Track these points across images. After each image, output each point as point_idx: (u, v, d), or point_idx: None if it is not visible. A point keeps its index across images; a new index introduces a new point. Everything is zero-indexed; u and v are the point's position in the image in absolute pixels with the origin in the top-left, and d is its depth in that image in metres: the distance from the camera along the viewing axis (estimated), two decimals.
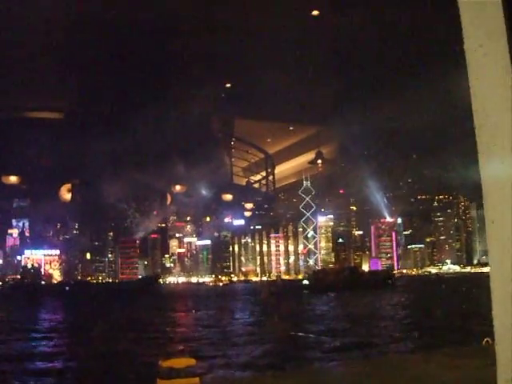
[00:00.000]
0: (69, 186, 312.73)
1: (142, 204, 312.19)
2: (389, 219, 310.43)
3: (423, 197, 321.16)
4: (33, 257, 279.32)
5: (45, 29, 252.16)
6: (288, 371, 21.55)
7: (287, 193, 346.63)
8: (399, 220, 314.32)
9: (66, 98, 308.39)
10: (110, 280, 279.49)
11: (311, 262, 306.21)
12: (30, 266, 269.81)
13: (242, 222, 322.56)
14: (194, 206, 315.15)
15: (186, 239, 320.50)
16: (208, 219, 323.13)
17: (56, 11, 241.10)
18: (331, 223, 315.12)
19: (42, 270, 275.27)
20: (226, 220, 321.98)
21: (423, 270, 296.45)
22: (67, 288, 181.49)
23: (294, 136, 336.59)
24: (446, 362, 13.25)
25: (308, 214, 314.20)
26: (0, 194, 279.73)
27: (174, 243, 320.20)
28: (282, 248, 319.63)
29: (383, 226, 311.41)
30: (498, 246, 3.03)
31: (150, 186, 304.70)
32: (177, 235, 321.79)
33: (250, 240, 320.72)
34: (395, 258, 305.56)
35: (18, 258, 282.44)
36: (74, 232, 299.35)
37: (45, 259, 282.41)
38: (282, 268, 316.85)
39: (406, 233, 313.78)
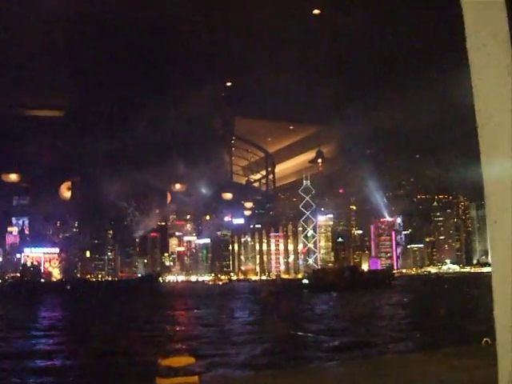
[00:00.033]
0: (69, 184, 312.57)
1: (141, 202, 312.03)
2: (388, 219, 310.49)
3: (423, 196, 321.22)
4: (32, 255, 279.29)
5: (45, 27, 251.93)
6: (287, 370, 21.57)
7: (287, 192, 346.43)
8: (399, 219, 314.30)
9: (67, 96, 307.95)
10: (110, 278, 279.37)
11: (311, 261, 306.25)
12: (29, 263, 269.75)
13: (241, 220, 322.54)
14: (194, 204, 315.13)
15: (186, 238, 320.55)
16: (208, 218, 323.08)
17: (56, 9, 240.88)
18: (331, 222, 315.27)
19: (42, 268, 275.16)
20: (226, 219, 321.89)
21: (423, 270, 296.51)
22: (68, 287, 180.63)
23: (294, 135, 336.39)
24: (445, 361, 13.28)
25: (308, 214, 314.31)
26: (0, 192, 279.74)
27: (173, 242, 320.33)
28: (281, 247, 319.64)
29: (383, 226, 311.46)
30: (500, 246, 3.02)
31: (150, 185, 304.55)
32: (176, 234, 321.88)
33: (249, 239, 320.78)
34: (395, 258, 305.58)
35: (18, 255, 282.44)
36: (74, 230, 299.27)
37: (44, 257, 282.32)
38: (282, 267, 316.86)
39: (405, 232, 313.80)
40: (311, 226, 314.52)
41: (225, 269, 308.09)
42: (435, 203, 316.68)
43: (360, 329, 39.27)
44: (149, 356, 24.46)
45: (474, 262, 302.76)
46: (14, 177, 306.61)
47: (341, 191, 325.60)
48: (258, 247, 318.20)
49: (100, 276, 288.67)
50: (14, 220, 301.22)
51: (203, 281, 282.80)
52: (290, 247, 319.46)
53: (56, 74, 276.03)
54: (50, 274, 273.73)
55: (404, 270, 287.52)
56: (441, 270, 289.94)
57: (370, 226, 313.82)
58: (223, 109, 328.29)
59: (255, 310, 68.84)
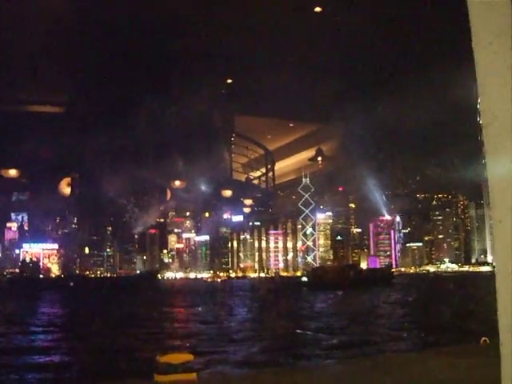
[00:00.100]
0: (68, 180, 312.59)
1: (141, 199, 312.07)
2: (388, 217, 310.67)
3: (422, 195, 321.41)
4: (31, 250, 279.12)
5: (45, 23, 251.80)
6: (286, 368, 21.58)
7: (287, 189, 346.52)
8: (398, 218, 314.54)
9: (67, 92, 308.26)
10: (109, 275, 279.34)
11: (309, 259, 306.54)
12: (28, 259, 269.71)
13: (241, 218, 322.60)
14: (194, 201, 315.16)
15: (185, 235, 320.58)
16: (207, 215, 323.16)
17: (57, 6, 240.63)
18: (330, 220, 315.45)
19: (41, 264, 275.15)
20: (225, 216, 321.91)
21: (421, 269, 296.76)
22: (72, 284, 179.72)
23: (294, 133, 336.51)
24: (444, 360, 13.28)
25: (307, 211, 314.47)
26: None
27: (172, 239, 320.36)
28: (280, 245, 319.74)
29: (382, 224, 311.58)
30: (504, 246, 3.00)
31: (150, 181, 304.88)
32: (176, 231, 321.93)
33: (248, 236, 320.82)
34: (393, 256, 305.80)
35: (17, 251, 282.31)
36: (73, 226, 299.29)
37: (43, 253, 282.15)
38: (281, 265, 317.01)
39: (404, 231, 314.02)
40: (310, 224, 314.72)
41: (224, 266, 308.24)
42: (434, 202, 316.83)
43: (359, 327, 39.29)
44: (147, 353, 24.46)
45: (473, 261, 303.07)
46: (13, 172, 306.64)
47: (340, 189, 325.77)
48: (257, 244, 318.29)
49: (99, 272, 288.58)
50: (13, 216, 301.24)
51: (202, 278, 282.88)
52: (289, 245, 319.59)
53: (56, 71, 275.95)
54: (48, 270, 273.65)
55: (403, 269, 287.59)
56: (439, 269, 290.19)
57: (369, 224, 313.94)
58: (223, 106, 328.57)
59: (254, 307, 68.89)
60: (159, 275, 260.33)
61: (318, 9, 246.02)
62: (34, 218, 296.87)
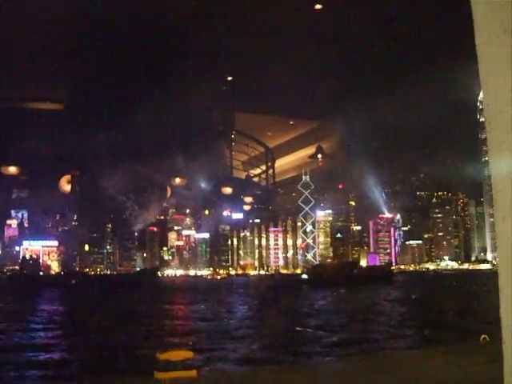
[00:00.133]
0: (68, 177, 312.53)
1: (141, 196, 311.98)
2: (387, 215, 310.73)
3: (422, 193, 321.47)
4: (31, 248, 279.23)
5: (45, 19, 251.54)
6: (286, 365, 21.60)
7: (287, 187, 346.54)
8: (398, 216, 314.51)
9: (67, 88, 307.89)
10: (108, 272, 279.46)
11: (309, 256, 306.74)
12: (28, 256, 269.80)
13: (241, 215, 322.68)
14: (194, 198, 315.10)
15: (185, 232, 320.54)
16: (207, 212, 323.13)
17: (57, 3, 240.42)
18: (330, 218, 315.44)
19: (41, 261, 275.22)
20: (225, 213, 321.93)
21: (421, 266, 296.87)
22: (74, 281, 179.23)
23: (294, 130, 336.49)
24: (443, 358, 13.29)
25: (307, 209, 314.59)
26: None
27: (172, 236, 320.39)
28: (280, 242, 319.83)
29: (382, 222, 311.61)
30: (508, 244, 2.96)
31: (150, 179, 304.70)
32: (176, 228, 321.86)
33: (248, 234, 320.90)
34: (393, 254, 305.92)
35: (17, 248, 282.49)
36: (73, 223, 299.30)
37: (43, 250, 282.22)
38: (281, 262, 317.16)
39: (404, 229, 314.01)
40: (310, 222, 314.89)
41: (223, 263, 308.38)
42: (434, 200, 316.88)
43: (359, 325, 39.32)
44: (147, 350, 24.49)
45: (473, 258, 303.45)
46: (13, 169, 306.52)
47: (340, 187, 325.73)
48: (256, 242, 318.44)
49: (99, 270, 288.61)
50: (13, 213, 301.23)
51: (202, 275, 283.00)
52: (289, 242, 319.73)
53: (56, 67, 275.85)
54: (48, 267, 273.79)
55: (402, 266, 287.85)
56: (439, 267, 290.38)
57: (368, 221, 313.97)
58: (223, 103, 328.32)
59: (254, 304, 68.94)
60: (159, 272, 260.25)
61: (318, 6, 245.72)
62: (34, 215, 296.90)
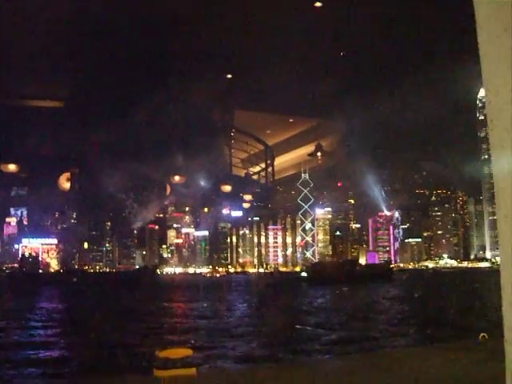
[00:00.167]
0: (68, 175, 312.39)
1: (140, 194, 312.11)
2: (387, 213, 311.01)
3: (421, 191, 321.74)
4: (30, 245, 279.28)
5: (46, 18, 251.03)
6: (285, 363, 21.59)
7: (286, 185, 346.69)
8: (397, 214, 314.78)
9: (67, 86, 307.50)
10: (108, 270, 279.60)
11: (308, 254, 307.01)
12: (27, 254, 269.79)
13: (240, 213, 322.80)
14: (193, 196, 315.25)
15: (184, 230, 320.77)
16: (206, 210, 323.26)
17: (57, 3, 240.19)
18: (329, 216, 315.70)
19: (40, 259, 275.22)
20: (225, 211, 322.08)
21: (420, 264, 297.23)
22: (74, 279, 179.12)
23: (293, 128, 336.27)
24: (443, 356, 13.28)
25: (306, 207, 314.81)
26: None
27: (171, 234, 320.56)
28: (279, 240, 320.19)
29: (381, 220, 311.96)
30: (509, 241, 2.95)
31: (149, 177, 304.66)
32: (175, 226, 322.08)
33: (247, 231, 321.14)
34: (392, 252, 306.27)
35: (16, 246, 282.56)
36: (72, 221, 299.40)
37: (42, 248, 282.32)
38: (280, 260, 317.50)
39: (403, 227, 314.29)
40: (309, 220, 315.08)
41: (223, 261, 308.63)
42: (433, 198, 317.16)
43: (358, 323, 39.33)
44: (147, 348, 24.49)
45: (472, 257, 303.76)
46: (12, 167, 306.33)
47: (339, 185, 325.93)
48: (256, 240, 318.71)
49: (98, 267, 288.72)
50: (12, 210, 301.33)
51: (201, 273, 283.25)
52: (288, 240, 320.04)
53: (56, 64, 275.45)
54: (47, 265, 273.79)
55: (401, 265, 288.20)
56: (438, 265, 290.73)
57: (368, 219, 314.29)
58: (223, 101, 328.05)
59: (253, 302, 68.94)
60: (158, 270, 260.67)
61: (318, 4, 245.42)
62: (34, 213, 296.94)
